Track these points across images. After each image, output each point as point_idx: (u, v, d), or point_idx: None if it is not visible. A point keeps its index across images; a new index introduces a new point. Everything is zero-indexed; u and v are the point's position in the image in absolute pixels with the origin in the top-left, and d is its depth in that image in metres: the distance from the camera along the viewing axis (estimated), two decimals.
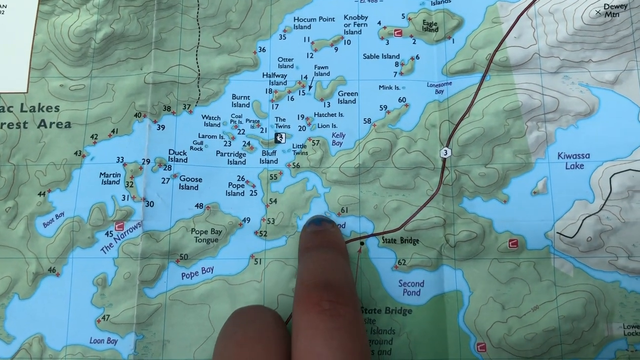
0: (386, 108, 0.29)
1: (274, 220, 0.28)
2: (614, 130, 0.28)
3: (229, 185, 0.28)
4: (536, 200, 0.28)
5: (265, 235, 0.28)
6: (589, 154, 0.28)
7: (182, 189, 0.28)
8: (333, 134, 0.29)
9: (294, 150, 0.29)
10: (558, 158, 0.28)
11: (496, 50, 0.29)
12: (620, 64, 0.29)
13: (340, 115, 0.29)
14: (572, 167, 0.28)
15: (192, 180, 0.28)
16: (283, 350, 0.22)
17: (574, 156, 0.28)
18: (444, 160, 0.29)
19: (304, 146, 0.29)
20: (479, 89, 0.29)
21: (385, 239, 0.28)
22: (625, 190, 0.28)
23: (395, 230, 0.28)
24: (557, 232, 0.28)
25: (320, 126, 0.29)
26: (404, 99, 0.29)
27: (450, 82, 0.29)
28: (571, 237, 0.27)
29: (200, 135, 0.29)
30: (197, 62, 0.29)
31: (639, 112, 0.28)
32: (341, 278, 0.24)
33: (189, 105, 0.29)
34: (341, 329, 0.21)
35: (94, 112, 0.29)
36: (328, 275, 0.23)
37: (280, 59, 0.30)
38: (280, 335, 0.22)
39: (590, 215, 0.28)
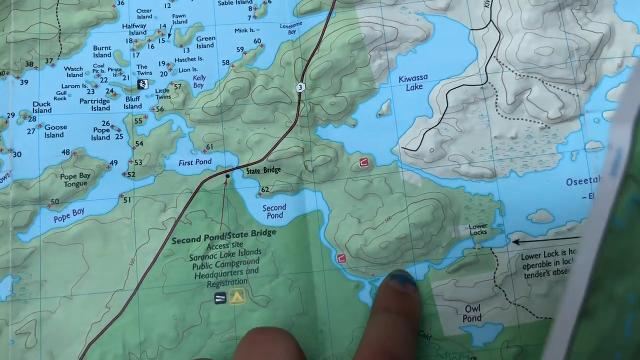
0: (243, 49, 0.31)
1: (141, 162, 0.30)
2: (448, 51, 0.31)
3: (94, 130, 0.30)
4: (381, 121, 0.30)
5: (133, 176, 0.30)
6: (427, 75, 0.31)
7: (48, 137, 0.30)
8: (194, 77, 0.31)
9: (157, 95, 0.31)
10: (399, 82, 0.31)
11: None
12: None
13: (200, 59, 0.31)
14: (412, 88, 0.31)
15: (57, 128, 0.30)
16: None
17: (414, 78, 0.31)
18: (300, 94, 0.31)
19: (166, 90, 0.31)
20: (325, 26, 0.31)
21: (250, 170, 0.30)
22: (460, 104, 0.30)
23: (259, 162, 0.30)
24: (402, 147, 0.30)
25: (181, 70, 0.31)
26: (259, 40, 0.31)
27: (301, 22, 0.32)
28: (415, 150, 0.30)
29: (63, 86, 0.30)
30: (57, 19, 0.31)
31: (469, 33, 0.31)
32: (406, 354, 0.25)
33: (51, 59, 0.30)
34: None
35: None
36: (395, 348, 0.25)
37: (139, 11, 0.31)
38: None
39: (430, 128, 0.30)
